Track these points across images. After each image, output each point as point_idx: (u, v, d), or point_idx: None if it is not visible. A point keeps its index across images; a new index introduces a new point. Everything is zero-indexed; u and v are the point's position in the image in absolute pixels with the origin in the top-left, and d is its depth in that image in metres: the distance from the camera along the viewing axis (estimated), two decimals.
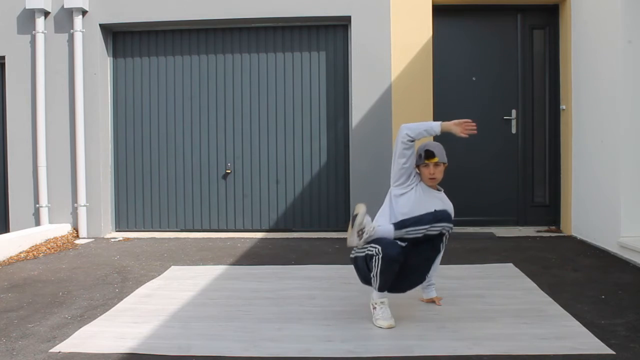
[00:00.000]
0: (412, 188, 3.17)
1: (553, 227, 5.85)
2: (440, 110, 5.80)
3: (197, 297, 3.60)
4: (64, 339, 2.87)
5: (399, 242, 2.95)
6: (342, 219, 5.93)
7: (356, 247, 3.04)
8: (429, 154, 3.12)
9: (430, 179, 3.17)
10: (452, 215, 3.12)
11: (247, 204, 6.06)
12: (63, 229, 5.86)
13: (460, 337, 2.81)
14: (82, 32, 5.84)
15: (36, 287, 3.94)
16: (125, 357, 2.64)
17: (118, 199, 6.19)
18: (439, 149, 3.17)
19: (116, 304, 3.49)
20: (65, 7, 5.78)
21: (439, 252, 3.09)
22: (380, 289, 2.98)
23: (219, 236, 5.87)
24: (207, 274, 4.22)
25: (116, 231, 6.20)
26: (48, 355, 2.67)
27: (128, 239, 5.78)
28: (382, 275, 2.91)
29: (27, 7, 5.77)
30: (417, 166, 3.22)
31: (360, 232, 2.91)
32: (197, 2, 5.82)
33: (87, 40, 5.87)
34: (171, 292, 3.72)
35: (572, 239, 5.35)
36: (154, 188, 6.16)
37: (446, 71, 5.90)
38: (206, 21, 5.92)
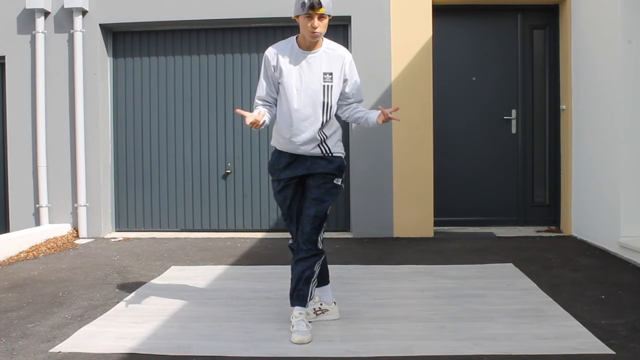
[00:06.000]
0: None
1: (553, 227, 5.85)
2: (440, 110, 5.81)
3: (197, 297, 3.60)
4: (64, 339, 2.87)
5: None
6: (342, 219, 5.93)
7: None
8: (313, 5, 2.56)
9: (313, 33, 2.68)
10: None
11: (247, 204, 6.06)
12: (63, 229, 5.86)
13: (460, 337, 2.81)
14: (82, 32, 5.84)
15: (36, 287, 3.94)
16: (125, 357, 2.64)
17: (118, 199, 6.19)
18: None
19: (116, 304, 3.49)
20: (65, 7, 5.77)
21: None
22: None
23: (219, 236, 5.87)
24: (207, 274, 4.22)
25: (116, 231, 6.20)
26: (48, 355, 2.67)
27: (128, 239, 5.78)
28: None
29: (27, 7, 5.77)
30: (297, 16, 2.72)
31: None
32: (197, 2, 5.81)
33: (87, 40, 5.87)
34: (171, 292, 3.72)
35: (572, 239, 5.34)
36: (154, 188, 6.16)
37: (446, 71, 5.90)
38: (206, 21, 5.91)
